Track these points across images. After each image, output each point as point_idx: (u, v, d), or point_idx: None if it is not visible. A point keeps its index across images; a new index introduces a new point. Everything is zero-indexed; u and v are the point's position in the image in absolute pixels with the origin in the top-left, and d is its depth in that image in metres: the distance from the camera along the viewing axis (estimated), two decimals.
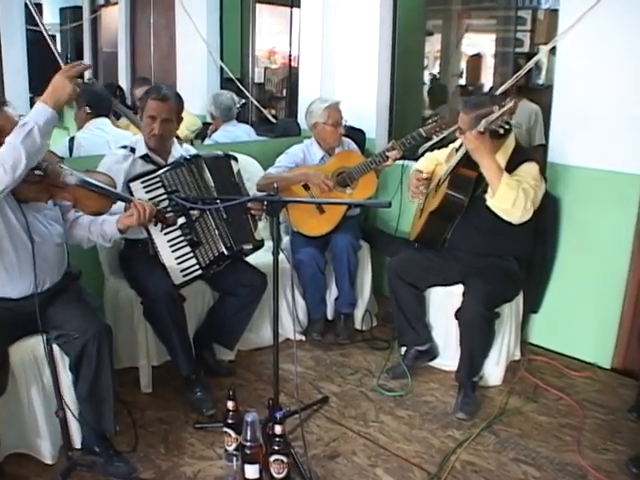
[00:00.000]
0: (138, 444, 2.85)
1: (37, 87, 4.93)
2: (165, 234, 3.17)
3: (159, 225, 2.97)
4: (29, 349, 2.63)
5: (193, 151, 3.49)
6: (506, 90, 4.05)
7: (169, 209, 3.11)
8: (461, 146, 3.34)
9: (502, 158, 3.19)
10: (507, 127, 3.00)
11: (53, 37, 7.62)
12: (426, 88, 6.47)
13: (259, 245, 3.42)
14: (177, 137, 3.55)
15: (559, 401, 3.34)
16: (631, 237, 3.46)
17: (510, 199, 3.04)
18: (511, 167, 3.17)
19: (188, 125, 5.21)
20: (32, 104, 4.80)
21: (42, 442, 2.69)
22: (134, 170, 3.23)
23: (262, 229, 3.54)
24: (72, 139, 4.10)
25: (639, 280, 3.49)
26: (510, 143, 3.27)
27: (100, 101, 4.22)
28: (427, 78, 6.68)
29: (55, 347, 2.60)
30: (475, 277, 3.25)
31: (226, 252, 3.23)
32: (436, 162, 3.71)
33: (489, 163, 3.07)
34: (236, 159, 3.52)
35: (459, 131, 3.28)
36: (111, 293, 3.44)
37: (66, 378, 2.62)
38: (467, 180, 3.25)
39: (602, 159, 3.48)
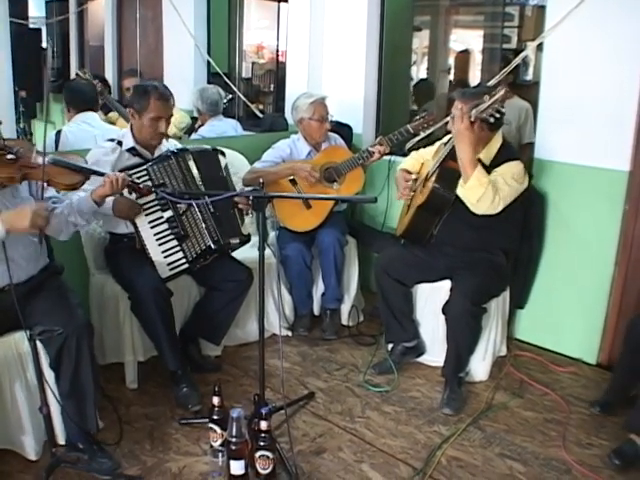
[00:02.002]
0: (123, 440, 2.84)
1: (21, 81, 4.90)
2: (152, 227, 3.17)
3: (144, 217, 2.97)
4: (12, 345, 2.61)
5: (179, 146, 3.48)
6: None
7: (156, 202, 3.12)
8: (449, 140, 3.34)
9: (488, 153, 3.21)
10: (498, 116, 3.00)
11: (39, 30, 7.59)
12: (414, 84, 6.46)
13: (246, 240, 3.41)
14: None
15: (544, 396, 3.35)
16: (617, 233, 3.48)
17: (477, 194, 3.06)
18: (496, 163, 3.18)
19: (176, 123, 5.18)
20: (16, 98, 4.77)
21: (25, 438, 2.68)
22: (121, 163, 3.21)
23: (249, 224, 3.54)
24: (58, 133, 4.08)
25: (625, 276, 3.50)
26: (497, 139, 3.27)
27: (79, 97, 4.19)
28: (415, 75, 6.67)
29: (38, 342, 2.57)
30: (463, 272, 3.25)
31: (213, 246, 3.22)
32: (422, 160, 3.71)
33: (466, 153, 3.07)
34: (223, 153, 3.51)
35: (451, 121, 3.24)
36: (96, 288, 3.42)
37: (50, 373, 2.60)
38: (455, 173, 3.24)
39: (589, 155, 3.49)
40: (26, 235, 2.65)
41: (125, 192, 3.00)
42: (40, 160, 2.53)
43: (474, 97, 3.15)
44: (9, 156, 2.50)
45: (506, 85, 4.32)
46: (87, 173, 2.72)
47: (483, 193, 3.05)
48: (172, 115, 3.29)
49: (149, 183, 3.13)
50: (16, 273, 2.56)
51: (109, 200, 3.04)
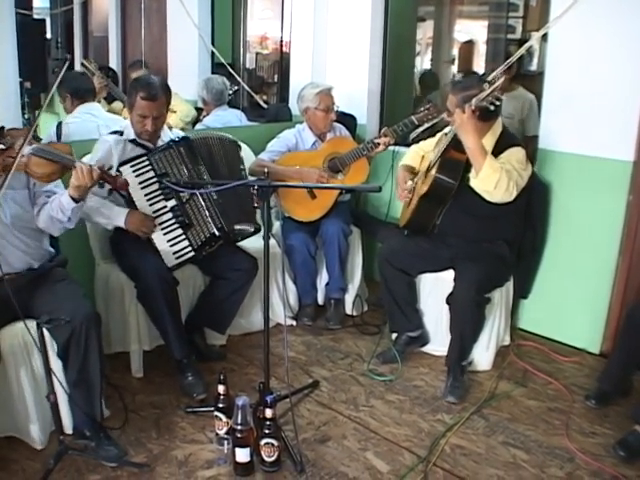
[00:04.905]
0: (129, 428, 2.87)
1: (25, 71, 4.91)
2: (157, 217, 3.19)
3: (149, 208, 2.99)
4: (19, 334, 2.63)
5: (182, 134, 3.48)
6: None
7: (160, 192, 3.14)
8: (450, 131, 3.35)
9: (489, 142, 3.21)
10: (498, 103, 3.02)
11: (43, 21, 7.59)
12: (419, 75, 6.45)
13: (257, 228, 3.41)
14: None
15: (548, 386, 3.37)
16: (621, 223, 3.48)
17: (493, 181, 3.06)
18: (497, 151, 3.19)
19: (182, 116, 5.20)
20: (22, 88, 4.78)
21: (32, 427, 2.70)
22: (125, 154, 3.23)
23: None
24: (59, 124, 4.10)
25: (628, 266, 3.50)
26: (497, 127, 3.29)
27: (83, 88, 4.22)
28: (419, 66, 6.66)
29: (45, 331, 2.58)
30: (466, 262, 3.26)
31: (217, 233, 3.24)
32: (422, 153, 3.72)
33: (474, 142, 3.08)
34: (239, 146, 3.54)
35: (447, 113, 3.30)
36: (102, 278, 3.44)
37: (56, 362, 2.61)
38: (457, 163, 3.25)
39: (592, 145, 3.49)
40: (30, 226, 2.68)
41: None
42: (25, 150, 2.52)
43: (464, 88, 3.20)
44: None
45: (508, 74, 4.34)
46: (65, 163, 2.63)
47: (499, 178, 3.05)
48: (160, 115, 3.24)
49: (152, 173, 3.16)
50: (15, 261, 2.64)
51: (121, 214, 3.11)
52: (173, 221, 3.22)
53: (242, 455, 2.56)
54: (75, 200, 2.67)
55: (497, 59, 5.63)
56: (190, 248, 3.23)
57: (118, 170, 3.09)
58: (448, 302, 3.30)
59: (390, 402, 3.20)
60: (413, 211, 3.48)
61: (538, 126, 4.34)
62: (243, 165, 3.56)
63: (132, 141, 3.29)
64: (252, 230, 3.37)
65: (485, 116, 3.14)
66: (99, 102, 4.71)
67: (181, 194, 3.19)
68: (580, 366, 3.57)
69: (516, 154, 3.20)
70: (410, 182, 3.59)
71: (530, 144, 4.02)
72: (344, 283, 4.03)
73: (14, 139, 2.55)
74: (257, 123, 5.13)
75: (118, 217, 3.15)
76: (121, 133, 3.31)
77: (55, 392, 2.54)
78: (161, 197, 3.21)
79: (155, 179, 3.17)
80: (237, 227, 3.30)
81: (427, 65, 6.88)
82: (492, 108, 3.03)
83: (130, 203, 3.18)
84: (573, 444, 2.84)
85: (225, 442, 2.73)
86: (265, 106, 5.66)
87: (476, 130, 3.08)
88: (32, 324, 2.46)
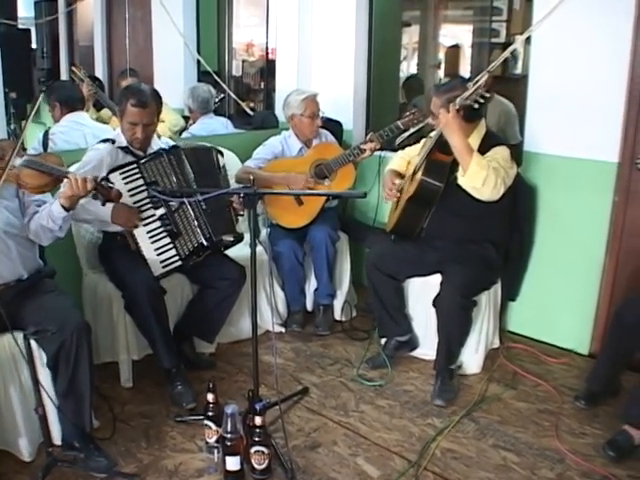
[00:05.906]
0: (119, 439, 2.86)
1: (11, 82, 4.90)
2: (145, 225, 3.19)
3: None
4: (6, 346, 2.61)
5: (172, 143, 3.48)
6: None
7: (148, 200, 3.14)
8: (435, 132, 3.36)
9: (474, 142, 3.23)
10: (482, 101, 3.04)
11: (28, 31, 7.57)
12: (403, 80, 6.46)
13: (239, 238, 3.42)
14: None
15: (537, 387, 3.37)
16: (607, 224, 3.50)
17: (481, 178, 3.07)
18: (483, 151, 3.20)
19: (170, 125, 5.20)
20: (6, 98, 4.77)
21: (20, 439, 2.68)
22: (117, 162, 3.22)
23: (241, 221, 3.54)
24: (46, 133, 4.08)
25: (615, 266, 3.52)
26: (481, 128, 3.32)
27: (73, 97, 4.22)
28: (405, 71, 6.68)
29: (33, 343, 2.56)
30: (453, 265, 3.26)
31: (205, 243, 3.23)
32: (408, 159, 3.73)
33: (459, 141, 3.10)
34: (222, 153, 3.54)
35: (432, 117, 3.32)
36: (90, 288, 3.43)
37: (45, 374, 2.60)
38: (442, 165, 3.27)
39: (578, 147, 3.51)
40: (22, 234, 2.67)
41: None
42: (16, 162, 2.52)
43: (448, 90, 3.25)
44: None
45: (492, 82, 4.35)
46: (58, 175, 2.64)
47: (486, 175, 3.06)
48: (151, 122, 3.24)
49: (141, 181, 3.15)
50: (6, 271, 2.63)
51: (106, 208, 3.03)
52: (161, 229, 3.22)
53: (232, 463, 2.56)
54: (66, 209, 2.68)
55: (482, 63, 5.66)
56: (177, 257, 3.23)
57: (107, 177, 3.07)
58: (434, 305, 3.30)
59: (380, 407, 3.20)
60: (400, 215, 3.49)
61: (516, 134, 4.37)
62: (227, 174, 3.55)
63: (124, 149, 3.29)
64: (232, 240, 3.38)
65: (469, 116, 3.16)
66: (87, 110, 4.71)
67: (170, 203, 3.19)
68: (569, 367, 3.58)
69: (501, 152, 3.22)
70: (398, 180, 3.59)
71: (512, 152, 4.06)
72: (332, 289, 4.03)
73: (3, 150, 2.55)
74: (243, 130, 5.12)
75: (104, 212, 3.09)
76: (113, 141, 3.30)
77: (43, 404, 2.52)
78: (150, 205, 3.20)
79: (144, 187, 3.16)
80: (225, 238, 3.31)
81: (414, 70, 6.90)
82: (476, 106, 3.05)
83: None
84: (563, 445, 2.85)
85: (215, 450, 2.73)
86: (251, 113, 5.66)
87: (461, 129, 3.10)
88: (19, 336, 2.45)
